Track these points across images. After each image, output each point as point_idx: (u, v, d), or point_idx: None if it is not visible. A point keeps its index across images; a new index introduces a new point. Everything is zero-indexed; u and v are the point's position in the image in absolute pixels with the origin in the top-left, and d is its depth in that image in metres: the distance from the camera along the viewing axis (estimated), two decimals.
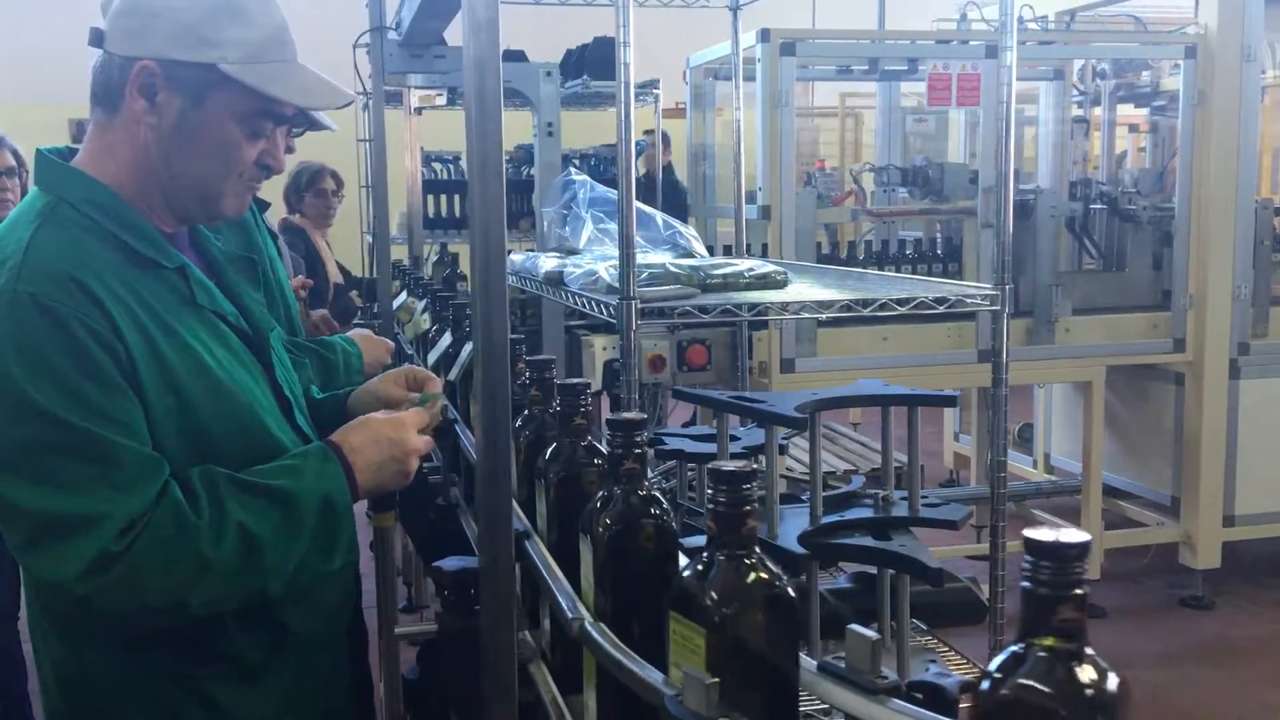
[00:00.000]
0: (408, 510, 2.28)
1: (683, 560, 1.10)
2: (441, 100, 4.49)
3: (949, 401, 2.68)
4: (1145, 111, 6.16)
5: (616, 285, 2.38)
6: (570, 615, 1.19)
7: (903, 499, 2.58)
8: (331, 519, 1.53)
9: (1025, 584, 0.79)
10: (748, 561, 1.02)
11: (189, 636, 1.54)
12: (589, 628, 1.17)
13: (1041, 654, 0.78)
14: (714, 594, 1.00)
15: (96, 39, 1.57)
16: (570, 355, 4.62)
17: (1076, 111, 5.79)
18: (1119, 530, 5.24)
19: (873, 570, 2.37)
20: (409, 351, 3.12)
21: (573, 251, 2.97)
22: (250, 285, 1.78)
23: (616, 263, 2.48)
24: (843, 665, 1.04)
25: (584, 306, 2.50)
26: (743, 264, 2.57)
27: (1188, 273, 4.97)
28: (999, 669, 0.80)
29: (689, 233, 2.95)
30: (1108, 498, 5.17)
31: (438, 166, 5.78)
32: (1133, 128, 6.51)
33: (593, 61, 5.49)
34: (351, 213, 6.12)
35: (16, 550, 1.43)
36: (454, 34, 3.74)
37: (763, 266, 2.54)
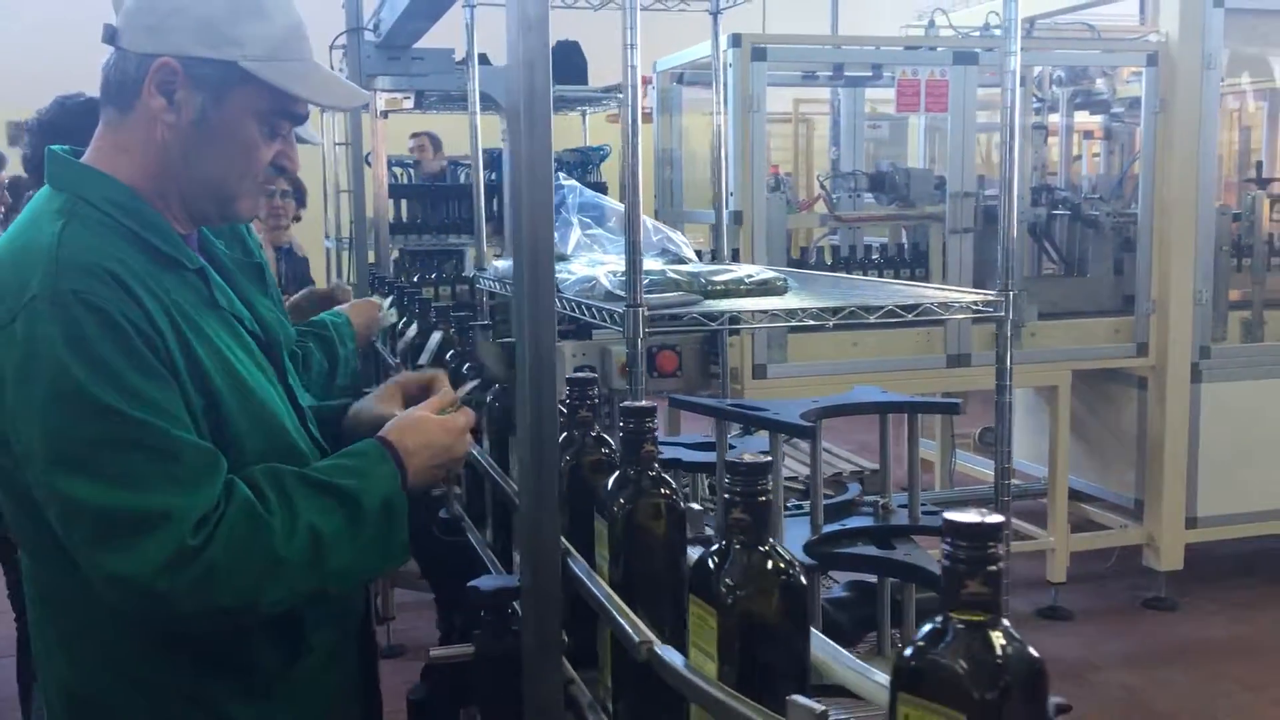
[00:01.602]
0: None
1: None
2: (409, 103, 4.42)
3: (951, 409, 2.68)
4: (1099, 118, 6.23)
5: (616, 292, 2.34)
6: (636, 638, 1.14)
7: (901, 506, 2.57)
8: (391, 521, 1.50)
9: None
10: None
11: (210, 648, 1.50)
12: (659, 651, 1.12)
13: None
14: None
15: (110, 36, 1.53)
16: None
17: (1034, 118, 5.85)
18: (1083, 533, 5.29)
19: (870, 579, 2.36)
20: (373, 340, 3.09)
21: (561, 257, 2.92)
22: (259, 291, 1.74)
23: (614, 269, 2.43)
24: None
25: (580, 313, 2.45)
26: (741, 270, 2.54)
27: (1150, 278, 5.03)
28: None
29: (679, 239, 2.92)
30: (1072, 501, 5.21)
31: (398, 171, 5.70)
32: (1087, 134, 6.58)
33: (557, 65, 5.44)
34: (314, 219, 6.02)
35: (83, 548, 1.37)
36: (430, 37, 3.68)
37: (762, 273, 2.51)
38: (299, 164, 1.70)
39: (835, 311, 2.21)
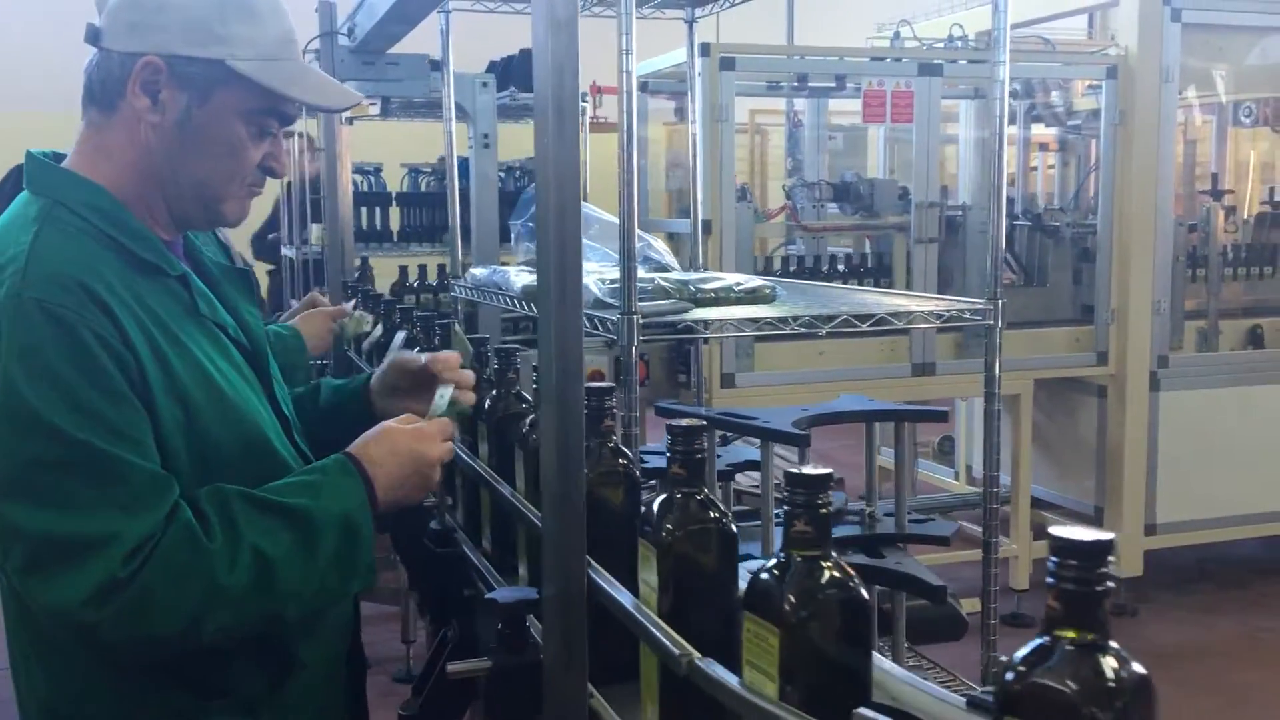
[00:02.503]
0: (399, 534, 2.18)
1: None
2: (374, 109, 4.37)
3: (939, 416, 2.68)
4: (1053, 131, 6.30)
5: (606, 299, 2.31)
6: (676, 652, 1.11)
7: (887, 515, 2.57)
8: (351, 539, 1.44)
9: (1051, 579, 0.81)
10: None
11: (192, 669, 1.45)
12: (700, 664, 1.10)
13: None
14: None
15: (93, 36, 1.49)
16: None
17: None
18: (1044, 540, 5.32)
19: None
20: (346, 350, 3.06)
21: None
22: (245, 299, 1.69)
23: (602, 276, 2.41)
24: None
25: None
26: (729, 278, 2.53)
27: (1110, 288, 5.09)
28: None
29: (660, 246, 2.91)
30: (1033, 509, 5.26)
31: (358, 178, 5.62)
32: (1043, 146, 6.67)
33: (520, 73, 5.40)
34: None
35: (16, 575, 1.33)
36: (405, 43, 3.63)
37: (750, 281, 2.50)
38: (287, 166, 1.66)
39: (829, 319, 2.21)
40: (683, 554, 1.18)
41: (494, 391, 1.84)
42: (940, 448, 6.32)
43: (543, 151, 1.26)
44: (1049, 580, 0.82)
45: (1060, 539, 0.81)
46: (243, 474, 1.45)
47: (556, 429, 1.27)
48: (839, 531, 2.44)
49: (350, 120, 4.24)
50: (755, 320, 2.24)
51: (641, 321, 2.15)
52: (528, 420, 1.63)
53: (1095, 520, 5.28)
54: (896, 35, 5.21)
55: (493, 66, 5.42)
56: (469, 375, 1.72)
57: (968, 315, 2.34)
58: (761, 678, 0.99)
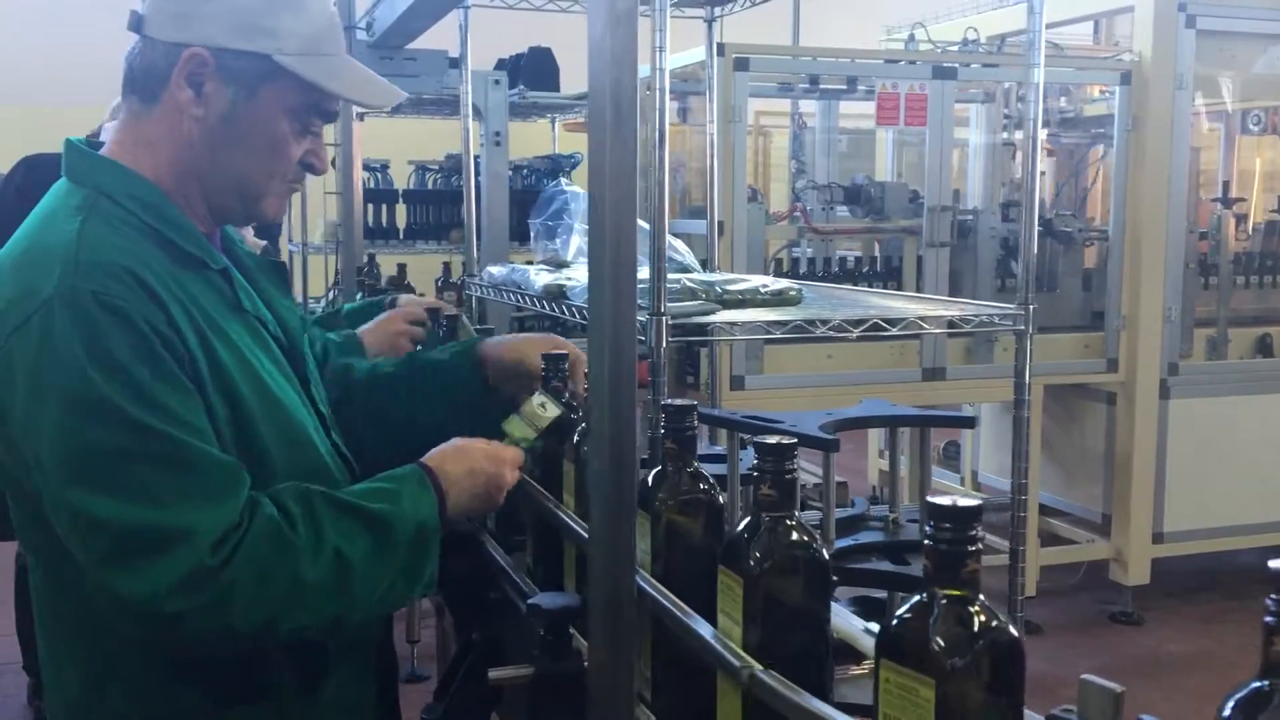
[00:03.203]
0: None
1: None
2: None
3: (967, 423, 2.66)
4: (1059, 136, 6.28)
5: None
6: (736, 663, 1.08)
7: (910, 521, 2.55)
8: (422, 548, 1.44)
9: (928, 542, 0.91)
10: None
11: (225, 670, 1.42)
12: (763, 676, 1.07)
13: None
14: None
15: (136, 23, 1.46)
16: None
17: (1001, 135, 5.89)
18: (1051, 548, 5.32)
19: (879, 594, 2.32)
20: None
21: (562, 264, 2.86)
22: (280, 292, 1.66)
23: None
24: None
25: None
26: (755, 280, 2.50)
27: (1121, 294, 5.07)
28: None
29: (682, 247, 2.87)
30: (1040, 516, 5.24)
31: (365, 175, 5.59)
32: (1049, 152, 6.64)
33: (530, 72, 5.38)
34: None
35: (95, 566, 1.29)
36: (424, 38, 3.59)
37: (775, 283, 2.48)
38: (328, 163, 1.63)
39: (858, 323, 2.18)
40: (773, 586, 1.12)
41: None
42: (944, 453, 6.30)
43: (598, 148, 1.22)
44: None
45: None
46: (286, 470, 1.44)
47: (609, 431, 1.24)
48: (863, 538, 2.42)
49: (361, 116, 4.21)
50: (785, 323, 2.21)
51: (670, 323, 2.12)
52: (577, 430, 1.60)
53: (1102, 528, 5.27)
54: (911, 38, 5.19)
55: (502, 64, 5.40)
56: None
57: (998, 320, 2.32)
58: None
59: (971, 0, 5.95)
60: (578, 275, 2.66)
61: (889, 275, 5.11)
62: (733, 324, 2.21)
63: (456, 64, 3.63)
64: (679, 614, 1.21)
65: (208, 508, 1.29)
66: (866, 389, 4.61)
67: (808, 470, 3.10)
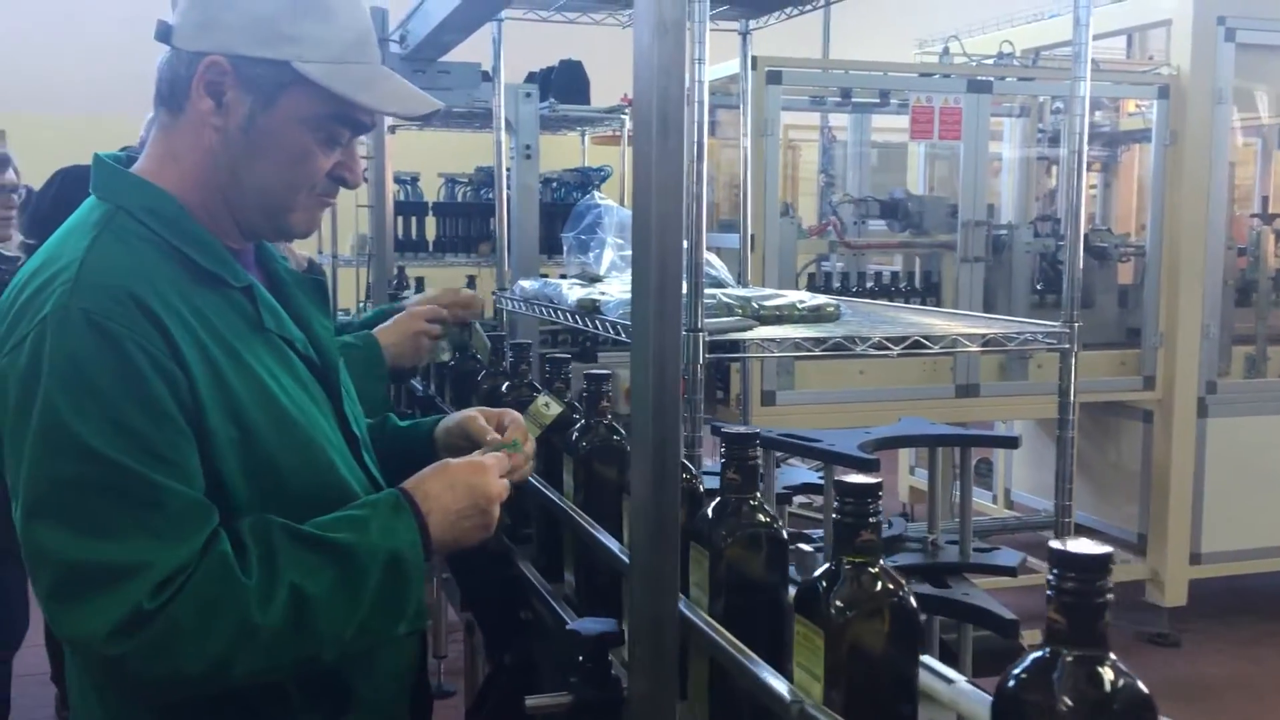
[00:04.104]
0: (454, 556, 2.11)
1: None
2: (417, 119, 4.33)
3: (1010, 443, 2.60)
4: (1095, 150, 6.21)
5: None
6: (789, 698, 1.04)
7: (950, 542, 2.49)
8: (399, 579, 1.35)
9: (1053, 594, 0.84)
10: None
11: (249, 705, 1.36)
12: (812, 710, 1.02)
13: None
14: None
15: (164, 33, 1.41)
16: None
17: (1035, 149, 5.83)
18: None
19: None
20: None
21: (595, 278, 2.83)
22: (318, 310, 1.60)
23: None
24: None
25: (625, 336, 2.36)
26: (792, 296, 2.46)
27: (1158, 311, 5.00)
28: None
29: (716, 262, 2.83)
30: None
31: (395, 188, 5.59)
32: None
33: (560, 84, 5.36)
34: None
35: (43, 601, 1.24)
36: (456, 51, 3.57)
37: (813, 299, 2.43)
38: (360, 179, 1.57)
39: (899, 341, 2.13)
40: (856, 637, 1.03)
41: (581, 422, 1.74)
42: (976, 470, 6.22)
43: (643, 160, 1.19)
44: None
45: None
46: (302, 498, 1.38)
47: (652, 450, 1.20)
48: (901, 560, 2.36)
49: (393, 129, 4.20)
50: (824, 340, 2.16)
51: (707, 339, 2.08)
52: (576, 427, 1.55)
53: (1138, 548, 5.19)
54: (945, 51, 5.14)
55: (532, 77, 5.38)
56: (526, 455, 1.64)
57: (1042, 339, 2.26)
58: None
59: (1005, 13, 5.88)
60: (611, 290, 2.63)
61: (921, 291, 5.06)
62: (771, 340, 2.17)
63: (489, 77, 3.61)
64: (747, 662, 1.15)
65: (159, 546, 1.23)
66: (899, 405, 4.56)
67: None
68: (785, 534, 1.28)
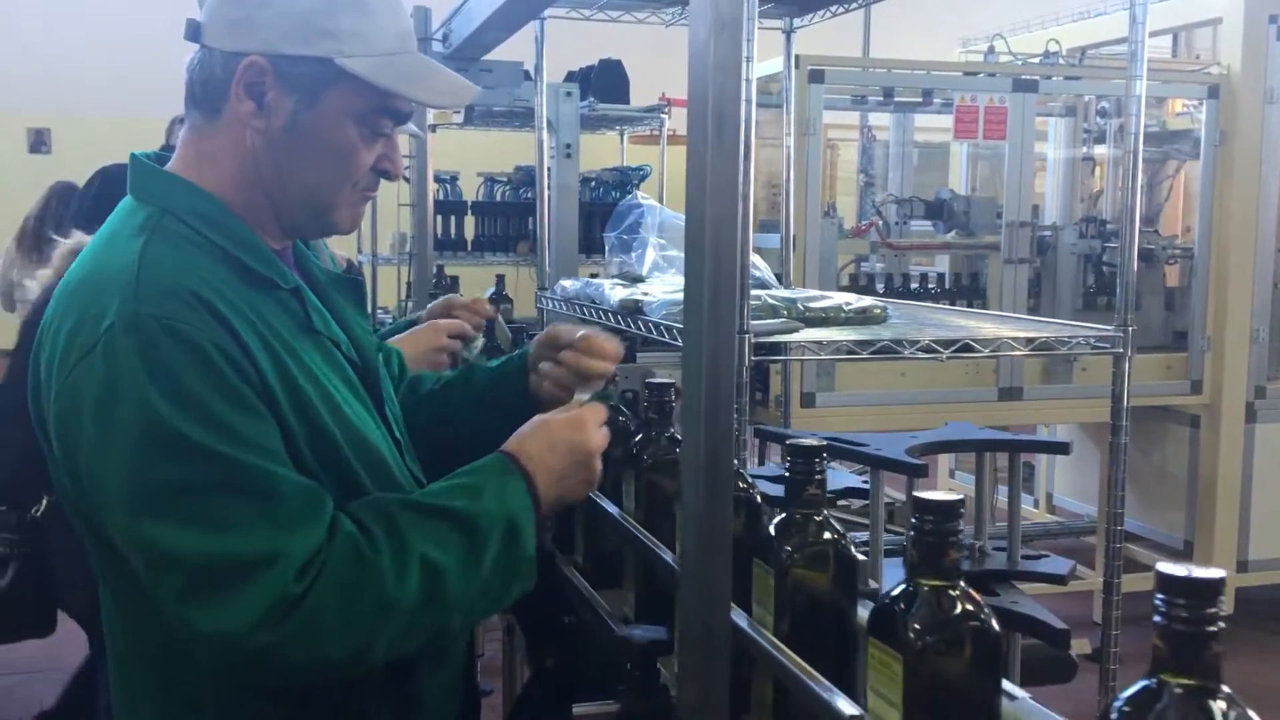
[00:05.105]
0: None
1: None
2: (457, 118, 4.31)
3: (1060, 449, 2.56)
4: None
5: None
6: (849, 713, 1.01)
7: (997, 550, 2.45)
8: (515, 543, 1.34)
9: (1159, 620, 0.79)
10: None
11: (319, 702, 1.35)
12: None
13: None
14: None
15: (194, 33, 1.38)
16: None
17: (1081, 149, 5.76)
18: (1130, 574, 5.12)
19: None
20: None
21: (637, 279, 2.80)
22: (356, 311, 1.59)
23: None
24: None
25: (673, 337, 2.33)
26: (838, 298, 2.42)
27: (1206, 314, 4.92)
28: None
29: (760, 262, 2.80)
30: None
31: (434, 186, 5.59)
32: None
33: (600, 84, 5.35)
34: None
35: (171, 603, 1.22)
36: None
37: (859, 301, 2.40)
38: (401, 170, 1.55)
39: (948, 344, 2.09)
40: (938, 663, 0.99)
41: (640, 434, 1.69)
42: None
43: (697, 160, 1.16)
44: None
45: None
46: (364, 496, 1.36)
47: (704, 458, 1.18)
48: None
49: (434, 128, 4.19)
50: (871, 342, 2.13)
51: (754, 341, 2.05)
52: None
53: (1185, 555, 5.10)
54: (990, 50, 5.08)
55: (571, 76, 5.37)
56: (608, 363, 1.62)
57: (1095, 343, 2.22)
58: None
59: (1050, 11, 5.80)
60: (654, 290, 2.60)
61: (965, 292, 5.00)
62: (817, 343, 2.13)
63: (530, 76, 3.59)
64: (818, 689, 1.11)
65: (288, 534, 1.22)
66: (941, 408, 4.51)
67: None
68: (855, 552, 1.23)
